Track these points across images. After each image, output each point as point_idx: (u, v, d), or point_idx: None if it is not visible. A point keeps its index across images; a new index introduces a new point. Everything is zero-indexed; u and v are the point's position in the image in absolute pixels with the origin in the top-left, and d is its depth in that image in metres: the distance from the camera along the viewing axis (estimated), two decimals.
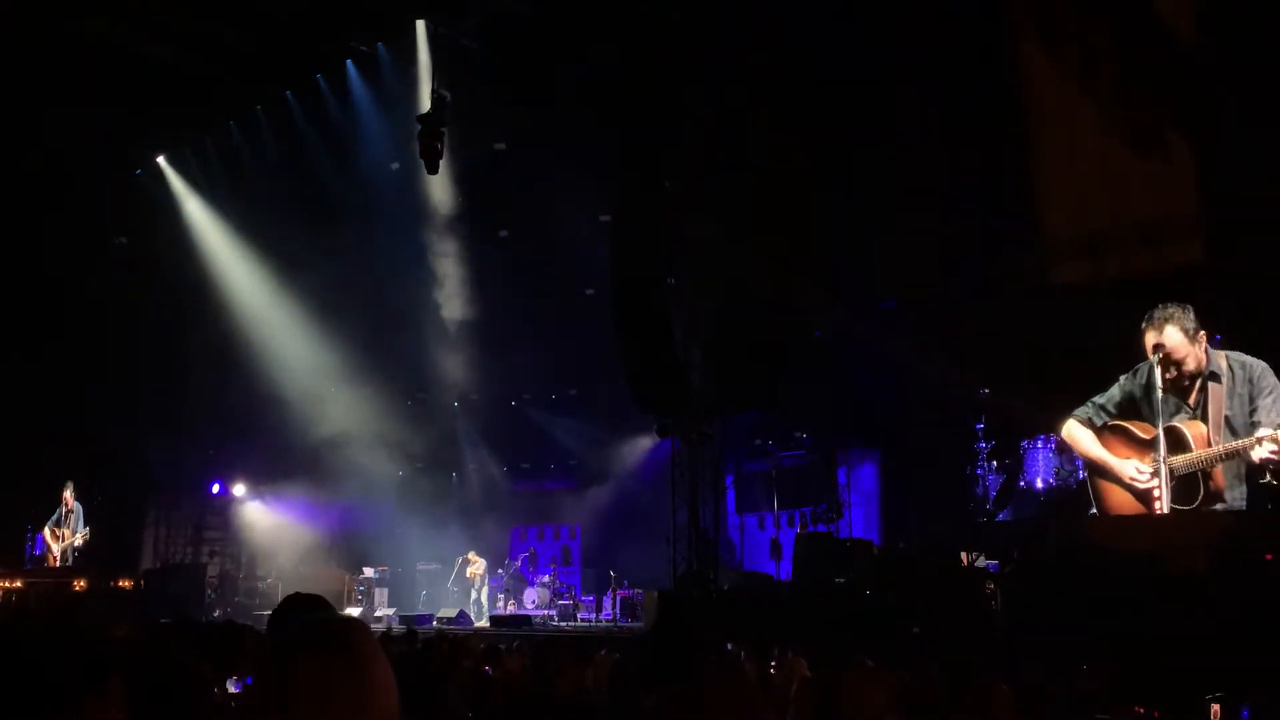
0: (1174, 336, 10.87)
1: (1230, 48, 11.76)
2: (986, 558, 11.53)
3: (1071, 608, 9.58)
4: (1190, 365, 10.81)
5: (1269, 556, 9.05)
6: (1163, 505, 10.83)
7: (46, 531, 17.31)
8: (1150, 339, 11.00)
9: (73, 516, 17.13)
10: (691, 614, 12.78)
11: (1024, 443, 12.87)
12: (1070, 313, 12.51)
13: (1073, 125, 13.07)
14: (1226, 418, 10.82)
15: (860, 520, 16.09)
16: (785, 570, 14.93)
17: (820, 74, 14.82)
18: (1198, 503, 10.82)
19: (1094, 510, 11.90)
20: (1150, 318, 11.08)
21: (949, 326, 13.73)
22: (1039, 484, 12.67)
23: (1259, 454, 10.19)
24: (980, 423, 13.06)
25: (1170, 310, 10.93)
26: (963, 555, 11.81)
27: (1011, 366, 12.61)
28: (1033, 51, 13.45)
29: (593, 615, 18.32)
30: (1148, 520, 11.08)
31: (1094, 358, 11.96)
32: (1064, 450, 12.59)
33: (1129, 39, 12.62)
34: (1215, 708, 4.84)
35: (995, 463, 13.02)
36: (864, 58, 14.85)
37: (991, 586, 10.63)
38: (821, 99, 14.68)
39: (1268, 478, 10.30)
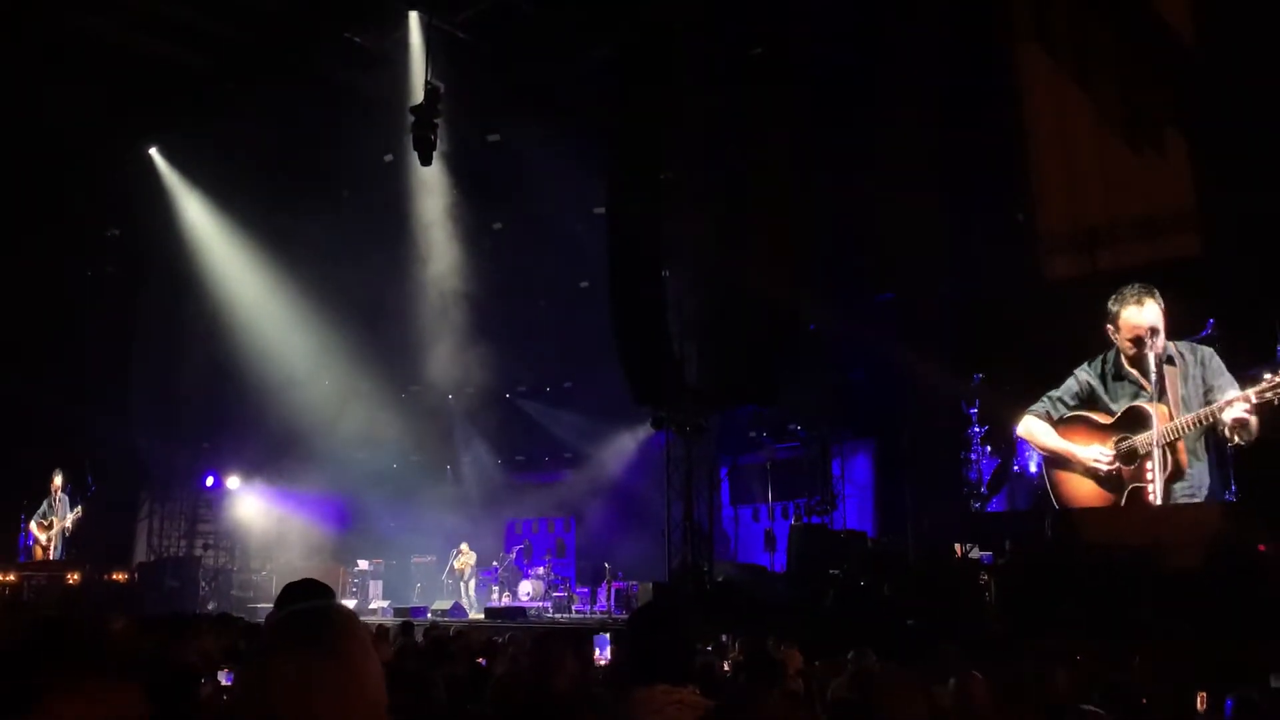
0: (1154, 311, 10.98)
1: (1225, 43, 11.78)
2: (980, 549, 11.56)
3: (1065, 599, 9.63)
4: (1158, 346, 10.96)
5: (1262, 548, 9.11)
6: (1156, 487, 10.91)
7: (33, 524, 17.30)
8: (1131, 314, 11.09)
9: (61, 505, 17.15)
10: (680, 605, 12.80)
11: (1016, 427, 12.93)
12: (1064, 303, 12.57)
13: (1069, 121, 13.09)
14: (1182, 398, 10.97)
15: (854, 512, 16.11)
16: (779, 562, 14.96)
17: (818, 69, 14.81)
18: (1166, 475, 10.95)
19: (1054, 504, 12.05)
20: (1125, 295, 11.15)
21: (944, 319, 13.75)
22: (1032, 469, 12.72)
23: (1232, 414, 10.34)
24: (974, 409, 13.12)
25: (1150, 287, 11.04)
26: (956, 547, 11.85)
27: (1005, 356, 12.65)
28: (1030, 47, 13.46)
29: (588, 607, 18.34)
30: (1141, 513, 11.16)
31: (1087, 346, 12.05)
32: None
33: (1125, 35, 12.64)
34: (1201, 695, 4.87)
35: (989, 448, 13.07)
36: (862, 54, 14.84)
37: (985, 578, 10.67)
38: (818, 94, 14.67)
39: (1236, 440, 10.45)
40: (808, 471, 16.07)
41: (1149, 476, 11.03)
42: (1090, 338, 12.06)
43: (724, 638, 9.18)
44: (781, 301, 14.72)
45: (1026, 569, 10.55)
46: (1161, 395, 11.11)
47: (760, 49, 14.48)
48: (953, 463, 13.43)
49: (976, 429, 13.05)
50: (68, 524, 16.94)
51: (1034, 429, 12.26)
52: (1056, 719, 3.85)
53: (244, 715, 1.58)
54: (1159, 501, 11.07)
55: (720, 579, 14.17)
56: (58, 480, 17.16)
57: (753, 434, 17.94)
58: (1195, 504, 10.92)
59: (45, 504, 17.22)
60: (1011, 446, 12.98)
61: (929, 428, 14.16)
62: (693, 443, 14.70)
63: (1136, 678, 5.92)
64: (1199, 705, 4.87)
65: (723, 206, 14.85)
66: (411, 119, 13.89)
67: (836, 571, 12.47)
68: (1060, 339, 12.22)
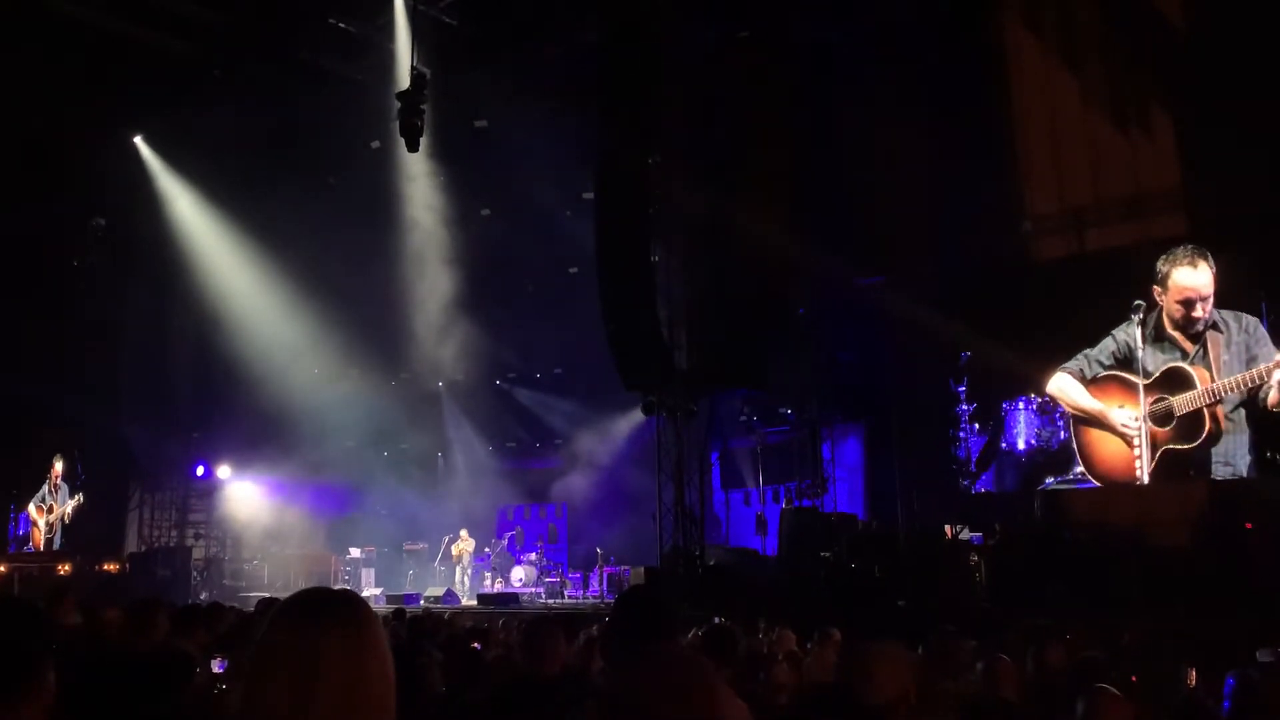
0: (1206, 274, 10.90)
1: (1211, 23, 11.80)
2: (970, 530, 11.61)
3: (1054, 579, 9.69)
4: (1205, 310, 10.90)
5: (1249, 525, 9.17)
6: (1143, 464, 10.94)
7: (31, 508, 17.26)
8: (1183, 275, 10.92)
9: (60, 492, 17.12)
10: (667, 587, 12.84)
11: (1005, 404, 12.96)
12: (1052, 282, 12.62)
13: (1056, 101, 13.10)
14: (1225, 364, 10.93)
15: (844, 495, 16.16)
16: (770, 545, 15.01)
17: (805, 51, 14.78)
18: (1202, 438, 10.93)
19: (1079, 466, 12.06)
20: (1177, 256, 10.99)
21: (933, 299, 13.77)
22: (1020, 446, 12.76)
23: None
24: (962, 386, 13.15)
25: (1202, 249, 10.89)
26: (946, 528, 11.90)
27: (993, 334, 12.67)
28: (1017, 28, 13.45)
29: (580, 592, 18.39)
30: (1130, 491, 11.21)
31: (1075, 324, 12.09)
32: (1045, 412, 12.68)
33: (1112, 15, 12.65)
34: (1192, 672, 4.91)
35: (977, 425, 13.10)
36: (850, 35, 14.81)
37: (975, 559, 10.72)
38: (806, 77, 14.65)
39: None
40: (798, 455, 16.10)
41: (1154, 437, 11.04)
42: (1078, 315, 12.10)
43: (716, 620, 9.21)
44: (771, 285, 14.74)
45: (1016, 549, 10.59)
46: (1203, 359, 11.08)
47: (747, 32, 14.44)
48: (942, 443, 13.47)
49: (964, 407, 13.09)
50: (67, 511, 16.93)
51: (1066, 386, 12.15)
52: (1059, 694, 3.88)
53: (269, 685, 1.59)
54: (1192, 471, 10.99)
55: (712, 563, 14.22)
56: (58, 467, 17.15)
57: (743, 418, 17.96)
58: (1184, 480, 10.95)
59: (45, 487, 17.20)
60: (999, 424, 13.02)
61: (918, 409, 14.21)
62: (683, 427, 14.73)
63: (1126, 655, 5.96)
64: (1189, 681, 4.91)
65: (711, 190, 14.82)
66: (398, 105, 13.82)
67: (827, 554, 12.51)
68: (1048, 317, 12.25)
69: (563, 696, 3.91)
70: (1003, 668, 4.54)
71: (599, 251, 14.68)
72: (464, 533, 19.87)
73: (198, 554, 20.11)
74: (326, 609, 1.65)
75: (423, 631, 7.08)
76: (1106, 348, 11.88)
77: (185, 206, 19.26)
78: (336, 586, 15.94)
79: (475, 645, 6.43)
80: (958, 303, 13.44)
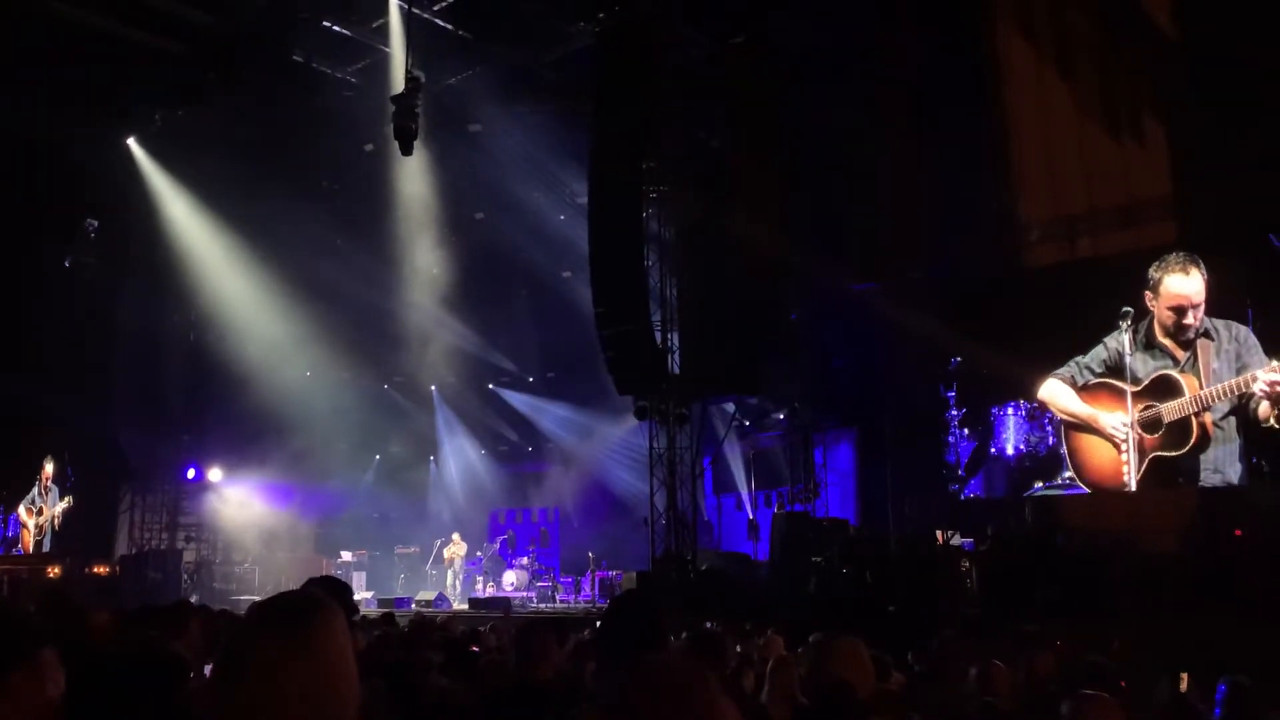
0: (1198, 281, 10.94)
1: (1204, 32, 11.86)
2: (961, 536, 11.64)
3: (1045, 585, 9.72)
4: (1197, 317, 10.96)
5: (1238, 532, 9.22)
6: (1130, 468, 11.00)
7: (21, 510, 17.20)
8: (1174, 283, 10.98)
9: (51, 495, 17.08)
10: (658, 592, 12.85)
11: (994, 409, 13.01)
12: (1043, 289, 12.67)
13: (1049, 109, 13.15)
14: (1214, 372, 10.99)
15: (836, 500, 16.18)
16: (762, 550, 15.03)
17: (798, 61, 14.82)
18: (1190, 445, 10.98)
19: (1069, 471, 12.11)
20: (1169, 263, 11.05)
21: (924, 305, 13.81)
22: (1009, 451, 12.81)
23: (1263, 379, 10.21)
24: (951, 392, 13.19)
25: (1194, 257, 10.95)
26: (938, 534, 11.93)
27: (984, 340, 12.71)
28: (1010, 35, 13.50)
29: (572, 596, 18.38)
30: (1121, 497, 11.26)
31: (1066, 330, 12.14)
32: (1034, 417, 12.73)
33: (1105, 23, 12.70)
34: (1184, 677, 4.94)
35: (966, 430, 13.15)
36: (843, 41, 14.85)
37: (966, 564, 10.75)
38: (799, 83, 14.69)
39: (1271, 421, 10.34)
40: (790, 460, 16.13)
41: (1142, 444, 11.09)
42: (1069, 322, 12.16)
43: (709, 625, 9.22)
44: (764, 289, 14.77)
45: (1007, 555, 10.63)
46: (1193, 367, 11.13)
47: (741, 37, 14.48)
48: (933, 448, 13.51)
49: (954, 412, 13.14)
50: (56, 514, 16.90)
51: (1056, 392, 12.21)
52: (1051, 702, 3.90)
53: (217, 695, 1.62)
54: (1179, 479, 11.00)
55: (704, 567, 14.23)
56: (49, 469, 17.11)
57: (735, 423, 18.00)
58: (1174, 489, 11.00)
59: (35, 489, 17.17)
60: (988, 429, 13.07)
61: (910, 414, 14.24)
62: (675, 432, 14.75)
63: (1117, 661, 5.99)
64: (1182, 687, 4.94)
65: (705, 195, 14.86)
66: (392, 108, 13.81)
67: (819, 559, 12.54)
68: (1040, 323, 12.31)
69: (555, 700, 3.92)
70: (996, 673, 4.56)
71: (592, 255, 14.69)
72: (456, 536, 19.85)
73: (188, 557, 20.03)
74: (279, 616, 1.68)
75: (417, 637, 7.06)
76: (1098, 355, 11.95)
77: (178, 208, 19.19)
78: None
79: (474, 649, 6.44)
80: (950, 309, 13.48)
